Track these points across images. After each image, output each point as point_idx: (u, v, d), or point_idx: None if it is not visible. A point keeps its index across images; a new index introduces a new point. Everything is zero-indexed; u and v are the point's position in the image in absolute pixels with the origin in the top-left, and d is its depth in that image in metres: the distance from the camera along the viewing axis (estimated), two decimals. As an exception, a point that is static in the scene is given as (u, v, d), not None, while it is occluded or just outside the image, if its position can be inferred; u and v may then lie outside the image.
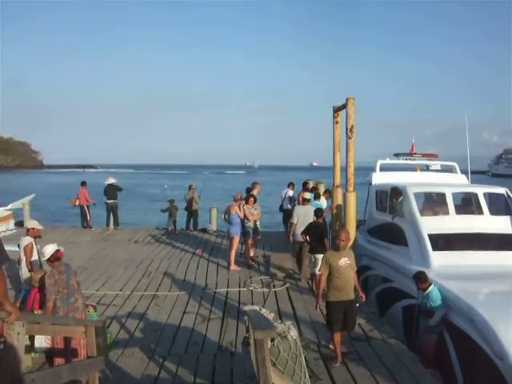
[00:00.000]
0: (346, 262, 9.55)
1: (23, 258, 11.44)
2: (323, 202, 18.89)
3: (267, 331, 5.68)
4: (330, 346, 9.96)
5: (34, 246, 11.68)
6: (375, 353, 9.85)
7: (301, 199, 16.82)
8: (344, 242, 9.67)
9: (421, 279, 11.28)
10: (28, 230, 11.94)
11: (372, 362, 9.31)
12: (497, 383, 8.60)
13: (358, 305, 10.33)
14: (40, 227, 12.15)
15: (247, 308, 7.03)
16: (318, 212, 14.76)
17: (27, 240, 11.66)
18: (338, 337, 9.43)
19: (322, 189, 21.23)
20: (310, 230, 14.49)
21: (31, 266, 11.39)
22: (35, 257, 11.59)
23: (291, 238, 16.20)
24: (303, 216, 15.89)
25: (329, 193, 19.74)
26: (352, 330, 10.12)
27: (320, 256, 13.44)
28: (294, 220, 16.09)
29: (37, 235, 12.05)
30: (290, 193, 21.86)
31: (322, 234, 14.23)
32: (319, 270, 10.06)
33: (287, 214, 20.45)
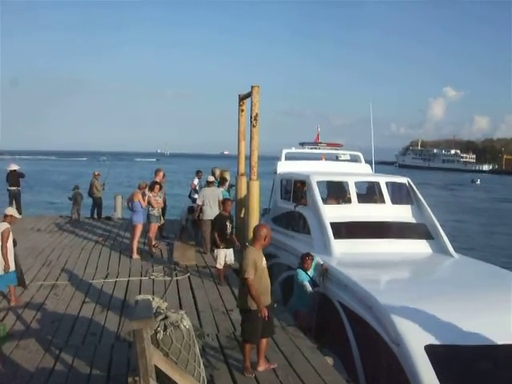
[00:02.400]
0: (264, 261, 8.75)
1: None
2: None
3: (144, 321, 5.57)
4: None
5: (11, 233, 11.82)
6: (273, 341, 9.80)
7: (192, 185, 19.60)
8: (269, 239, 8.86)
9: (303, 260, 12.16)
10: (6, 216, 11.99)
11: (270, 351, 9.29)
12: (394, 368, 8.73)
13: (276, 305, 10.38)
14: (18, 216, 12.35)
15: (139, 297, 6.88)
16: (225, 203, 14.87)
17: (4, 225, 11.75)
18: (250, 347, 8.73)
19: (227, 177, 21.23)
20: (215, 222, 14.65)
21: (6, 250, 11.59)
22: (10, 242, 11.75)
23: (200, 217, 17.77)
24: (209, 197, 17.56)
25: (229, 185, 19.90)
26: (272, 335, 9.42)
27: (222, 251, 14.16)
28: (200, 201, 17.72)
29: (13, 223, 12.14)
30: (196, 181, 21.74)
31: (223, 227, 14.27)
32: (247, 274, 8.22)
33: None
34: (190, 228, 20.21)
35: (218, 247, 14.26)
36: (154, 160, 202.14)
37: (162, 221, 19.06)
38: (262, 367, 8.56)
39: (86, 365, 8.69)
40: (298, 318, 11.80)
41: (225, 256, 14.21)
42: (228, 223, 14.36)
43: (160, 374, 5.92)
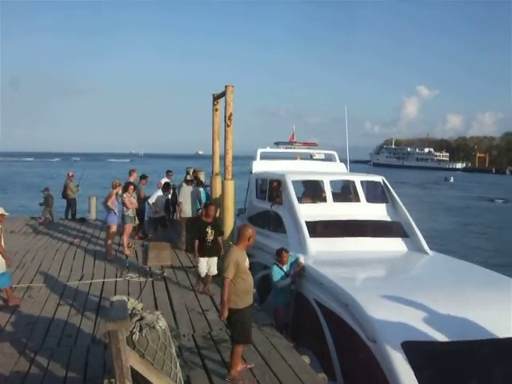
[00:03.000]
0: (247, 261, 8.78)
1: None
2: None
3: (119, 322, 5.54)
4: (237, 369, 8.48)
5: (2, 231, 11.92)
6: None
7: (159, 184, 20.37)
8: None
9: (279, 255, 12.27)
10: None
11: (246, 350, 9.26)
12: (370, 365, 8.77)
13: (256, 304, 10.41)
14: (6, 214, 12.20)
15: (115, 299, 6.82)
16: (207, 208, 13.75)
17: None
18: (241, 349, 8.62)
19: (202, 177, 21.26)
20: (194, 228, 14.25)
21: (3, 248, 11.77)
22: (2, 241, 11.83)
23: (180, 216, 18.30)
24: (188, 195, 18.12)
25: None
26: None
27: (203, 260, 13.08)
28: (181, 199, 18.18)
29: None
30: (163, 180, 21.68)
31: (202, 234, 13.11)
32: (226, 273, 8.17)
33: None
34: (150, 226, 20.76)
35: (196, 256, 13.23)
36: (128, 161, 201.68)
37: (137, 221, 19.00)
38: (239, 367, 8.53)
39: (62, 367, 8.61)
40: (276, 316, 11.89)
41: (207, 265, 13.15)
42: (209, 230, 13.01)
43: (136, 376, 5.89)
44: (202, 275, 13.23)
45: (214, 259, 13.17)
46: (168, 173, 22.17)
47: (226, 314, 8.11)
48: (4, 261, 11.76)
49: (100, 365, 8.63)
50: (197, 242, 12.99)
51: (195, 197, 18.28)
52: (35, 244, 19.52)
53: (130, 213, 17.39)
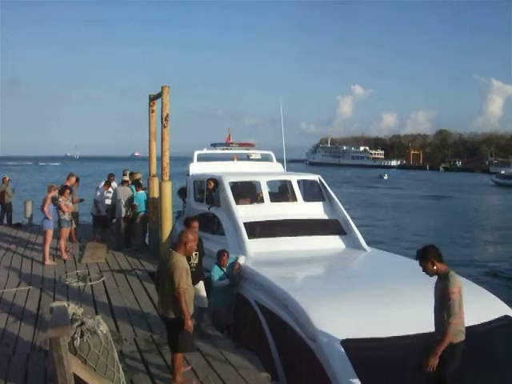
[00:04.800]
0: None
1: None
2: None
3: (60, 328, 5.51)
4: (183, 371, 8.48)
5: None
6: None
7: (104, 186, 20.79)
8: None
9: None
10: None
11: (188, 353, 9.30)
12: (312, 364, 8.85)
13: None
14: None
15: (54, 305, 6.76)
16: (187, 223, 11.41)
17: None
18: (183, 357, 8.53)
19: (139, 177, 21.31)
20: None
21: None
22: None
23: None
24: (123, 195, 19.12)
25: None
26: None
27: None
28: (119, 196, 19.09)
29: None
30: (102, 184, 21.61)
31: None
32: (182, 284, 7.84)
33: None
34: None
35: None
36: (61, 164, 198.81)
37: (74, 225, 18.85)
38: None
39: (0, 377, 8.39)
40: (214, 317, 11.92)
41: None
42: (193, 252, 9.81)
43: (79, 382, 5.86)
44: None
45: (201, 285, 10.80)
46: (110, 176, 22.10)
47: (190, 322, 7.94)
48: None
49: (41, 373, 8.49)
50: None
51: (127, 197, 19.22)
52: (-31, 251, 19.00)
53: (67, 216, 17.20)
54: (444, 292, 7.42)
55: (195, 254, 10.51)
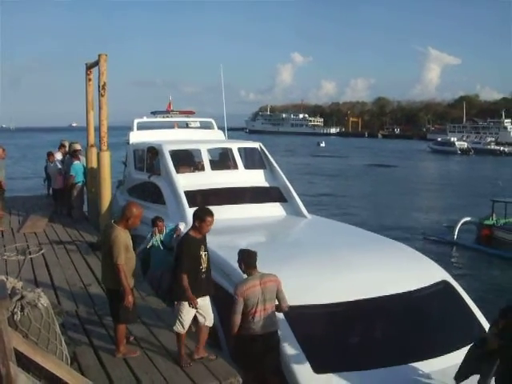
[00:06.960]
0: (131, 241, 8.23)
1: None
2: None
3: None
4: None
5: None
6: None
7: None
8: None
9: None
10: None
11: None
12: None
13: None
14: None
15: (-6, 280, 6.63)
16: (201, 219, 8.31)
17: None
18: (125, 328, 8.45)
19: (78, 147, 20.88)
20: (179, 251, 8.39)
21: None
22: None
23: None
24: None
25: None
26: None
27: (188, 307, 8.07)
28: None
29: None
30: (59, 155, 21.15)
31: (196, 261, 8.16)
32: (120, 260, 7.70)
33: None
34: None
35: (181, 298, 8.04)
36: None
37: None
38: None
39: None
40: (153, 284, 12.03)
41: (196, 312, 8.23)
42: (202, 252, 8.19)
43: (21, 357, 5.77)
44: (184, 330, 8.16)
45: (207, 300, 8.35)
46: (61, 147, 21.85)
47: (130, 296, 7.86)
48: None
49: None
50: (185, 276, 7.85)
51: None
52: None
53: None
54: None
55: (205, 254, 8.23)
